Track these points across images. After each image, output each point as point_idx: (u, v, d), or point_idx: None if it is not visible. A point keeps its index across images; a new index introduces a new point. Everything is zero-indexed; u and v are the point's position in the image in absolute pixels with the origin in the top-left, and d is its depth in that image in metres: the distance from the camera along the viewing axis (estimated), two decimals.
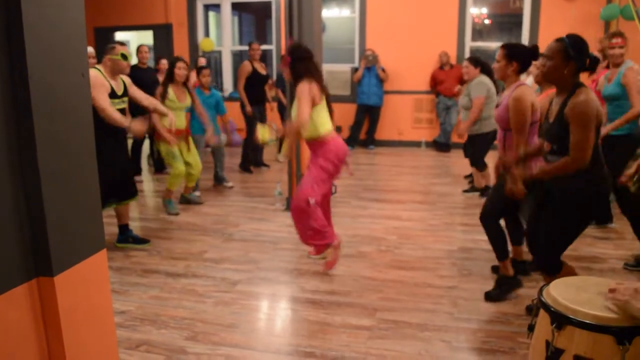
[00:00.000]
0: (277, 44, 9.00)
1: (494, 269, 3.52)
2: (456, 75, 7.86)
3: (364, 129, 8.74)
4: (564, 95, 2.45)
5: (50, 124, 1.39)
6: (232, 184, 6.09)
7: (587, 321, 1.67)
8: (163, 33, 9.29)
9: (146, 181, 6.65)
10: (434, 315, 2.96)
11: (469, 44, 8.40)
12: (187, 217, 4.94)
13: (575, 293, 1.81)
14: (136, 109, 5.20)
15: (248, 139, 6.79)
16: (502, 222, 3.23)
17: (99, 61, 3.92)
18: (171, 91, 4.91)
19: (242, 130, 6.88)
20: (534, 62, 3.48)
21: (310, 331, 2.81)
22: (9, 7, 1.28)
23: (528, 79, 4.63)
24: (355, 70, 8.71)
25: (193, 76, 5.78)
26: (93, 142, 1.57)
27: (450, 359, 2.54)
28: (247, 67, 6.54)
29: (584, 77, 2.55)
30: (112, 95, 3.85)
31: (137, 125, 3.86)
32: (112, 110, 3.73)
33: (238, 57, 9.98)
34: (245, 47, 8.42)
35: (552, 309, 1.77)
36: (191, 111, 5.59)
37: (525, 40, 7.98)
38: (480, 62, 5.26)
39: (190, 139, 5.12)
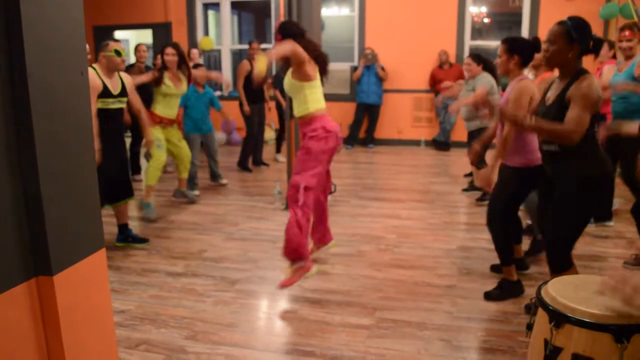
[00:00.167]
0: None
1: (493, 268, 3.52)
2: (455, 74, 7.86)
3: (364, 128, 8.74)
4: (567, 80, 2.41)
5: (49, 123, 1.39)
6: (227, 181, 6.09)
7: (586, 319, 1.67)
8: (162, 32, 9.29)
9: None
10: (433, 314, 2.96)
11: (468, 42, 8.40)
12: (186, 216, 4.95)
13: (574, 291, 1.81)
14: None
15: (247, 138, 6.79)
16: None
17: (96, 59, 3.89)
18: (167, 77, 4.87)
19: (242, 130, 6.89)
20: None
21: (310, 330, 2.81)
22: (8, 5, 1.28)
23: (530, 74, 4.60)
24: (354, 69, 8.71)
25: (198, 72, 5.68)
26: (92, 141, 1.57)
27: (450, 358, 2.54)
28: (245, 66, 6.54)
29: (589, 60, 2.50)
30: (106, 94, 3.77)
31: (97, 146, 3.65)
32: (93, 116, 3.66)
33: (237, 56, 9.98)
34: (245, 46, 8.42)
35: (551, 308, 1.77)
36: (185, 108, 5.58)
37: None
38: (482, 59, 5.23)
39: (177, 130, 5.13)
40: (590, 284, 1.86)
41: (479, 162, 3.39)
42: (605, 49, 4.93)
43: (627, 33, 3.80)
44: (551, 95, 2.51)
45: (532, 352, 1.91)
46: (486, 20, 9.95)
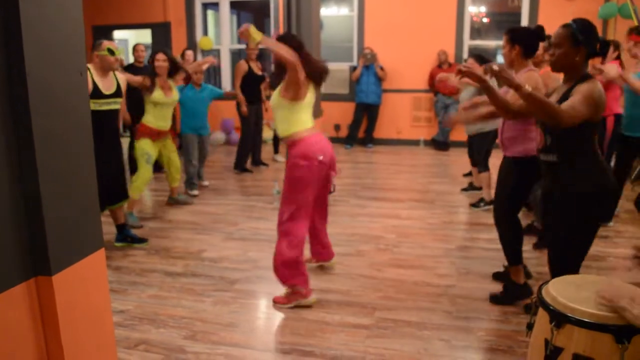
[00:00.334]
0: None
1: (495, 276, 3.42)
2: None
3: (363, 128, 8.73)
4: (571, 83, 2.34)
5: (48, 122, 1.38)
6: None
7: (586, 320, 1.67)
8: (161, 32, 9.28)
9: None
10: (433, 314, 2.96)
11: (467, 42, 8.40)
12: (185, 216, 4.94)
13: (574, 291, 1.81)
14: (136, 109, 5.19)
15: (242, 139, 6.77)
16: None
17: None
18: (157, 87, 4.66)
19: (239, 130, 6.88)
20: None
21: (309, 330, 2.81)
22: (7, 5, 1.28)
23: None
24: (353, 68, 8.71)
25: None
26: (91, 141, 1.56)
27: (449, 357, 2.54)
28: (242, 66, 6.53)
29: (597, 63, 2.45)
30: (97, 95, 3.67)
31: None
32: None
33: (237, 56, 9.97)
34: (244, 46, 8.40)
35: (551, 308, 1.77)
36: (182, 109, 5.56)
37: None
38: (484, 59, 5.21)
39: (171, 141, 4.97)
40: (591, 284, 1.86)
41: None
42: (610, 50, 4.94)
43: (632, 36, 3.86)
44: (554, 99, 2.48)
45: (532, 352, 1.91)
46: (485, 20, 9.95)
